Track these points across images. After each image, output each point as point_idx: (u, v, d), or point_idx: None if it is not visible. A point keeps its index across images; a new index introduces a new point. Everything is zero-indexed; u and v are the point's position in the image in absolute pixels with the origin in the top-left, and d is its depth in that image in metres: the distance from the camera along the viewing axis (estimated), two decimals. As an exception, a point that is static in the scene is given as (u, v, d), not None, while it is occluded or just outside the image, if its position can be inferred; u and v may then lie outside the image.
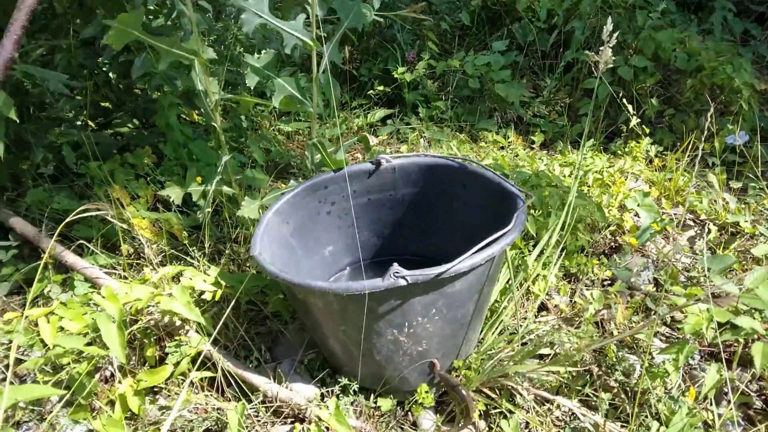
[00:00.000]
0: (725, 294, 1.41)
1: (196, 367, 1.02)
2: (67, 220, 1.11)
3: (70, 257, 1.26)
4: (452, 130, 2.33)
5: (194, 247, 1.27)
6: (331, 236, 1.25)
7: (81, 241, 1.31)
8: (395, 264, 0.88)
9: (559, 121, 2.43)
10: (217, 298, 1.12)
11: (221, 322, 1.05)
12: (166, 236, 1.42)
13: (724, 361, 1.03)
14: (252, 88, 1.10)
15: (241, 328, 1.20)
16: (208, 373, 1.08)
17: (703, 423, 1.05)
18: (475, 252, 0.90)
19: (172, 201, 1.38)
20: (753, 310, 1.19)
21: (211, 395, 1.10)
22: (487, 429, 1.06)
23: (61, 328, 1.06)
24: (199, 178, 1.38)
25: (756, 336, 1.04)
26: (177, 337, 1.13)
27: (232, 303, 1.09)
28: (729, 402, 0.98)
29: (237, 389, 1.11)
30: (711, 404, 1.06)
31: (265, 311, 1.27)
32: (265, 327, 1.30)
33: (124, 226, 1.35)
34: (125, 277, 1.30)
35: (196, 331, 1.15)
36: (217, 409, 1.08)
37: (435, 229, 1.28)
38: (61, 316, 1.03)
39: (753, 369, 1.16)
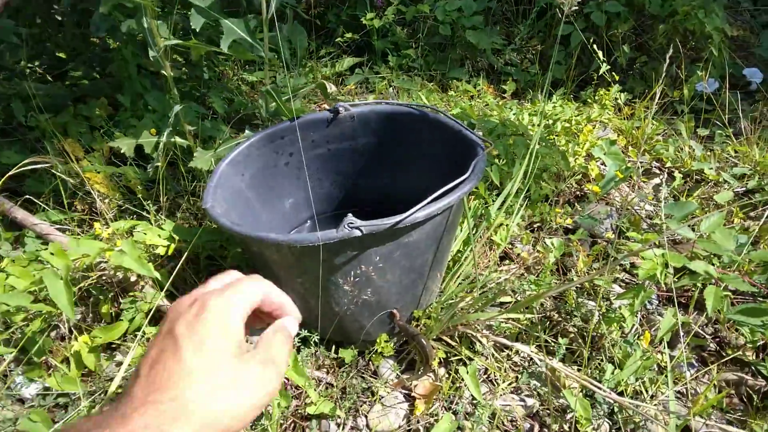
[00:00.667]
0: (686, 240, 1.43)
1: (147, 321, 1.00)
2: (11, 173, 1.06)
3: (19, 213, 1.21)
4: (422, 79, 2.28)
5: (149, 201, 1.23)
6: (290, 188, 1.22)
7: (34, 198, 1.27)
8: (350, 215, 0.86)
9: (531, 70, 2.39)
10: (170, 253, 1.09)
11: (173, 276, 1.03)
12: (122, 191, 1.38)
13: (677, 304, 1.05)
14: (197, 30, 1.04)
15: (199, 283, 1.18)
16: (165, 328, 1.07)
17: (656, 365, 1.08)
18: (431, 201, 0.88)
19: (128, 154, 1.33)
20: (712, 256, 1.21)
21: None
22: (446, 375, 1.08)
23: (12, 287, 1.03)
24: (153, 130, 1.33)
25: (711, 280, 1.06)
26: (132, 293, 1.11)
27: (185, 256, 1.07)
28: (683, 344, 1.01)
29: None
30: (665, 347, 1.08)
31: (225, 266, 1.25)
32: (227, 281, 1.28)
33: (72, 181, 1.30)
34: (79, 234, 1.27)
35: (152, 287, 1.13)
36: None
37: (397, 180, 1.26)
38: (8, 273, 1.00)
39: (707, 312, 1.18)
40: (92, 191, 1.28)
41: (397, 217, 0.86)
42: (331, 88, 1.20)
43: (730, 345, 1.16)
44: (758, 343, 1.12)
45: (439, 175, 0.96)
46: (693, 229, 1.27)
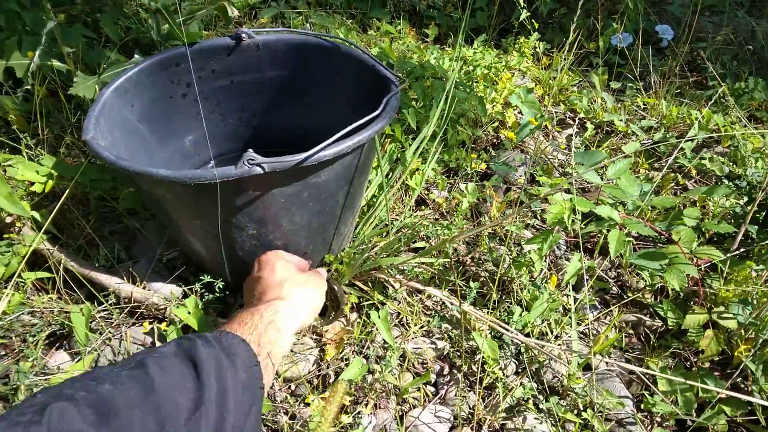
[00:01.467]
0: (594, 188, 1.46)
1: (20, 266, 0.89)
2: None
3: None
4: (342, 17, 2.17)
5: (26, 134, 1.09)
6: (190, 124, 1.12)
7: None
8: (250, 150, 0.78)
9: (454, 15, 2.34)
10: (47, 190, 0.97)
11: (53, 214, 0.92)
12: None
13: (584, 250, 1.06)
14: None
15: (88, 226, 1.07)
16: (45, 274, 0.96)
17: (562, 307, 1.11)
18: (340, 139, 0.82)
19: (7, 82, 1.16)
20: (617, 204, 1.24)
21: (54, 298, 0.99)
22: (358, 320, 1.05)
23: None
24: (30, 53, 1.16)
25: (616, 225, 1.08)
26: (8, 235, 0.98)
27: (66, 193, 0.95)
28: (587, 288, 1.03)
29: (85, 293, 1.00)
30: (571, 290, 1.10)
31: (117, 209, 1.13)
32: (122, 225, 1.18)
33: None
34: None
35: (31, 228, 1.01)
36: (63, 311, 0.97)
37: (308, 117, 1.18)
38: None
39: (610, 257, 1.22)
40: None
41: (302, 155, 0.80)
42: (234, 12, 1.09)
43: (631, 288, 1.21)
44: (656, 287, 1.17)
45: (354, 114, 0.90)
46: (600, 177, 1.29)
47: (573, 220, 1.01)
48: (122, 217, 1.16)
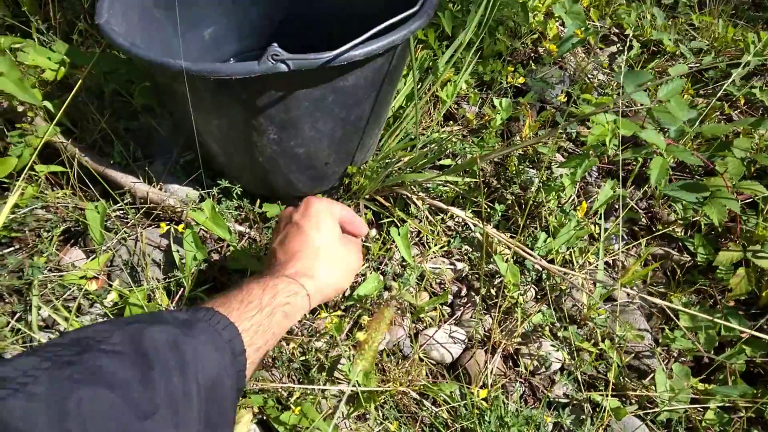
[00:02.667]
0: (634, 114, 1.38)
1: (33, 158, 0.86)
2: None
3: None
4: None
5: (37, 17, 1.02)
6: (210, 12, 1.04)
7: None
8: (274, 45, 0.72)
9: None
10: (59, 78, 0.92)
11: (66, 105, 0.87)
12: (7, 3, 1.14)
13: (620, 178, 1.01)
14: None
15: (103, 120, 1.03)
16: (59, 168, 0.94)
17: (589, 236, 1.07)
18: (372, 37, 0.75)
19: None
20: (659, 130, 1.17)
21: (68, 194, 0.96)
22: (377, 236, 1.02)
23: None
24: (39, -73, 1.07)
25: (656, 153, 1.02)
26: (20, 125, 0.95)
27: (80, 83, 0.90)
28: (618, 218, 0.98)
29: (100, 190, 0.98)
30: (600, 219, 1.06)
31: (133, 104, 1.08)
32: (137, 123, 1.13)
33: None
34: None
35: (44, 119, 0.97)
36: (78, 208, 0.95)
37: (339, 15, 1.09)
38: None
39: (645, 187, 1.17)
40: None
41: (331, 53, 0.73)
42: None
43: (661, 221, 1.17)
44: (689, 221, 1.12)
45: (386, 11, 0.82)
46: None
47: (612, 143, 0.95)
48: (138, 114, 1.11)
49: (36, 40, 1.00)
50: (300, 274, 0.63)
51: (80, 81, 0.89)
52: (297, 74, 0.74)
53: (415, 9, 0.79)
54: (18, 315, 0.83)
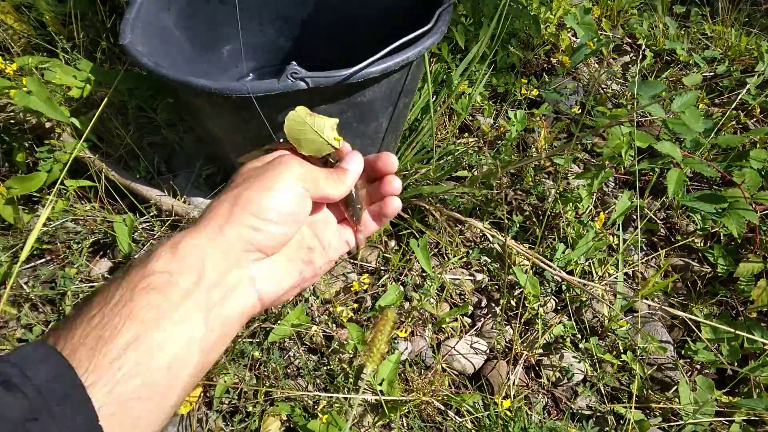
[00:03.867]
0: (649, 124, 1.38)
1: (63, 173, 0.88)
2: None
3: None
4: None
5: (62, 36, 1.05)
6: (228, 31, 1.06)
7: None
8: (293, 63, 0.74)
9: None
10: (85, 95, 0.94)
11: (93, 122, 0.89)
12: (32, 24, 1.17)
13: (638, 189, 1.01)
14: None
15: (127, 135, 1.05)
16: (87, 182, 0.96)
17: (607, 247, 1.07)
18: (388, 54, 0.76)
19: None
20: (675, 140, 1.17)
21: (96, 207, 0.98)
22: (396, 248, 1.03)
23: None
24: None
25: (672, 163, 1.02)
26: (48, 141, 0.97)
27: (105, 100, 0.92)
28: (636, 228, 0.98)
29: (127, 203, 1.00)
30: (618, 230, 1.06)
31: (156, 119, 1.11)
32: (160, 137, 1.15)
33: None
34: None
35: (71, 135, 0.99)
36: (106, 221, 0.98)
37: (351, 32, 1.11)
38: None
39: (663, 198, 1.16)
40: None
41: (349, 70, 0.75)
42: None
43: (680, 231, 1.16)
44: (708, 231, 1.12)
45: (400, 30, 0.83)
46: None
47: (629, 154, 0.95)
48: (160, 129, 1.13)
49: (62, 59, 1.02)
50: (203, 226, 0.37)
51: (106, 98, 0.91)
52: (316, 91, 0.76)
53: (429, 26, 0.80)
54: (51, 324, 0.85)
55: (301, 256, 0.40)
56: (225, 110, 0.81)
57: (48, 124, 0.99)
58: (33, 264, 0.94)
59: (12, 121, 0.99)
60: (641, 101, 0.89)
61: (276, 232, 0.36)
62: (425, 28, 0.79)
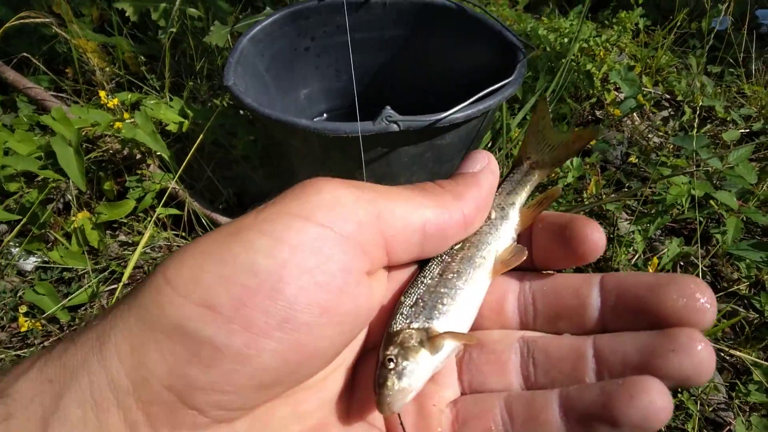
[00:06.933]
0: (697, 174, 1.44)
1: (161, 203, 0.95)
2: (6, 27, 0.96)
3: (11, 74, 1.11)
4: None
5: (153, 76, 1.14)
6: (307, 77, 1.15)
7: (23, 56, 1.15)
8: (388, 107, 0.81)
9: (547, -17, 2.27)
10: (184, 130, 1.02)
11: (189, 156, 0.97)
12: (119, 62, 1.27)
13: (696, 237, 1.06)
14: None
15: (208, 169, 1.12)
16: (175, 211, 1.03)
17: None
18: (473, 102, 0.84)
19: (132, 18, 1.21)
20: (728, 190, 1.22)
21: (178, 234, 1.05)
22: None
23: (7, 152, 0.96)
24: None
25: (725, 211, 1.07)
26: (138, 171, 1.05)
27: (201, 138, 1.00)
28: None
29: (204, 231, 1.07)
30: (667, 274, 1.10)
31: (233, 153, 1.18)
32: (232, 171, 1.23)
33: (63, 48, 1.18)
34: (75, 102, 1.17)
35: (159, 167, 1.07)
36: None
37: (424, 79, 1.20)
38: (5, 138, 0.92)
39: (708, 246, 1.21)
40: (87, 59, 1.17)
41: (437, 116, 0.82)
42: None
43: (725, 279, 1.20)
44: (753, 279, 1.15)
45: (473, 79, 0.91)
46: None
47: (687, 202, 1.01)
48: (233, 164, 1.21)
49: (160, 97, 1.11)
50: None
51: (202, 134, 0.99)
52: (404, 133, 0.83)
53: (511, 78, 0.88)
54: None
55: None
56: (316, 148, 0.88)
57: (138, 156, 1.07)
58: (113, 287, 0.99)
59: (109, 152, 1.07)
60: (702, 154, 0.95)
61: None
62: (507, 80, 0.87)
